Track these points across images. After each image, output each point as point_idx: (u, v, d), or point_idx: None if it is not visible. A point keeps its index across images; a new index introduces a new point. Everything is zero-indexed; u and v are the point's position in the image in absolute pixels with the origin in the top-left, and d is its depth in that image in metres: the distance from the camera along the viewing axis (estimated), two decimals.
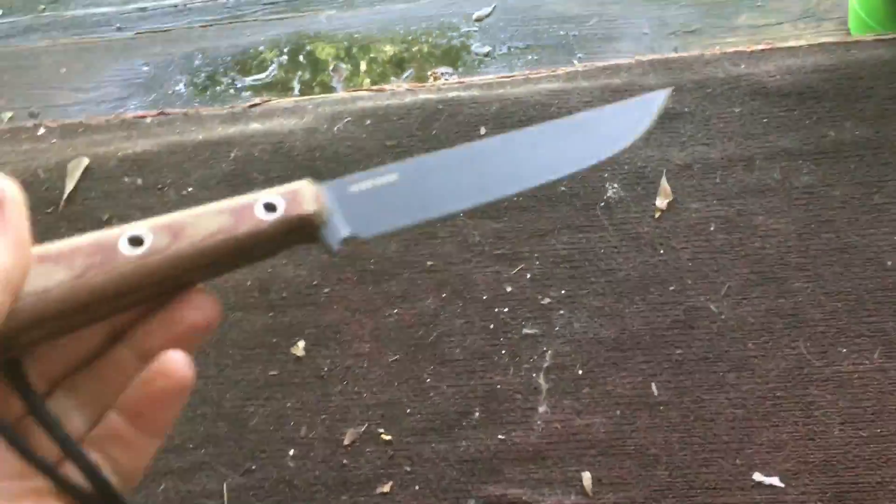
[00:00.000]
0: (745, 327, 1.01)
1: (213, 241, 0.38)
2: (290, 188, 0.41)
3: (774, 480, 0.94)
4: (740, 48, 1.19)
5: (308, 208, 0.40)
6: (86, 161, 1.21)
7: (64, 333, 0.39)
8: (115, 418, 0.39)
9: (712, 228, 1.06)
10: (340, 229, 0.42)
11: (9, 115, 1.44)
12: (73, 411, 0.40)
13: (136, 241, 0.37)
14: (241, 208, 0.40)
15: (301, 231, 0.41)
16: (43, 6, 2.09)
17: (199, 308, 0.40)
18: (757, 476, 0.94)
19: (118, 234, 0.38)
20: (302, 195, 0.40)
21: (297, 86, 1.44)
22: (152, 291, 0.39)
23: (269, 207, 0.40)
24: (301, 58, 1.48)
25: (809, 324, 1.00)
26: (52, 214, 1.18)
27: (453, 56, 1.44)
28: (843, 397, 0.96)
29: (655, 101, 0.49)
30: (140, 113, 1.31)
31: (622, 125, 0.48)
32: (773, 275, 1.03)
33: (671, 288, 1.04)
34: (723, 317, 1.01)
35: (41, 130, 1.27)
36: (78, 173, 1.20)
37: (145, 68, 1.49)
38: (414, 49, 1.46)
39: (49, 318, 0.37)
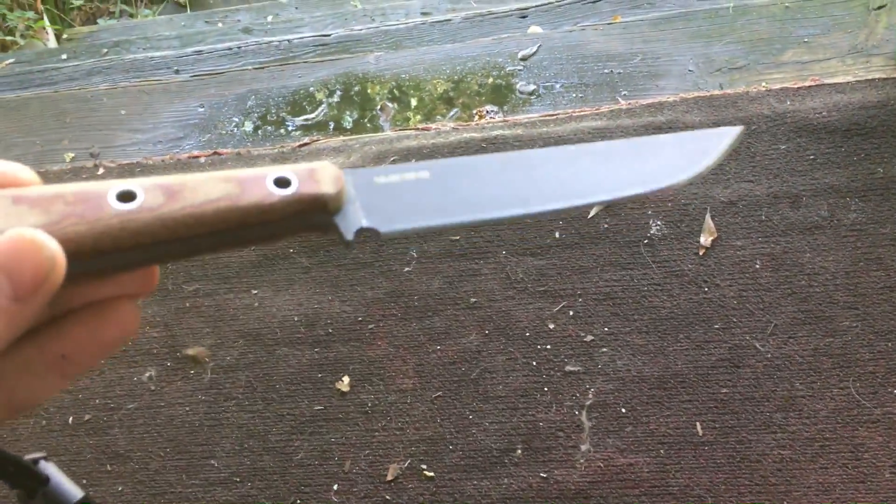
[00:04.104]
0: (792, 367, 0.99)
1: (213, 208, 0.34)
2: (308, 166, 0.37)
3: None
4: (786, 85, 1.19)
5: (326, 189, 0.36)
6: None
7: None
8: (33, 353, 0.35)
9: (758, 266, 1.05)
10: (358, 219, 0.37)
11: (71, 155, 1.50)
12: None
13: (126, 197, 0.33)
14: (250, 179, 0.35)
15: (312, 213, 0.36)
16: (106, 50, 2.18)
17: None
18: None
19: (107, 188, 0.33)
20: (320, 175, 0.36)
21: (345, 125, 1.47)
22: (135, 258, 0.34)
23: (282, 183, 0.35)
24: (349, 98, 1.52)
25: (859, 363, 0.98)
26: None
27: (499, 94, 1.46)
28: (894, 439, 0.94)
29: (726, 137, 0.44)
30: (194, 153, 1.35)
31: (682, 156, 0.42)
32: (820, 313, 1.01)
33: (716, 326, 1.03)
34: (769, 356, 1.00)
35: (100, 170, 1.32)
36: None
37: (200, 109, 1.55)
38: (459, 89, 1.48)
39: None
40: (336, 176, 0.36)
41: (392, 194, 0.38)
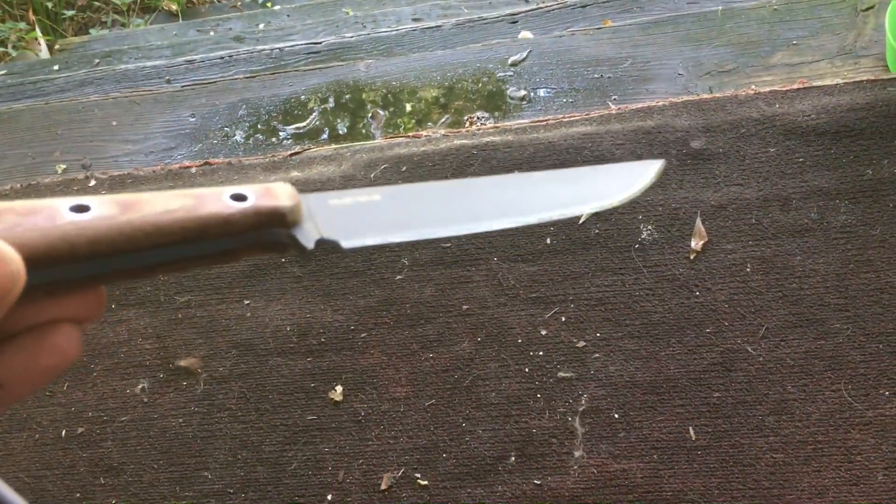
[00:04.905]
0: (783, 370, 0.99)
1: (171, 217, 0.34)
2: (264, 185, 0.38)
3: None
4: (775, 87, 1.19)
5: (282, 202, 0.37)
6: None
7: None
8: None
9: (748, 269, 1.05)
10: (317, 232, 0.38)
11: (63, 166, 1.50)
12: None
13: (80, 209, 0.32)
14: (207, 194, 0.36)
15: (271, 226, 0.37)
16: (98, 60, 2.18)
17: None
18: None
19: (60, 202, 0.32)
20: (276, 191, 0.37)
21: (336, 133, 1.47)
22: (90, 270, 0.32)
23: (238, 198, 0.36)
24: (341, 106, 1.52)
25: (850, 366, 0.98)
26: None
27: (490, 101, 1.46)
28: (887, 441, 0.94)
29: (649, 170, 0.49)
30: (185, 163, 1.35)
31: (613, 185, 0.47)
32: (811, 316, 1.02)
33: (707, 330, 1.03)
34: (761, 359, 1.00)
35: (92, 182, 1.32)
36: None
37: (192, 119, 1.55)
38: (450, 95, 1.49)
39: None
40: (291, 192, 0.38)
41: (347, 213, 0.40)
